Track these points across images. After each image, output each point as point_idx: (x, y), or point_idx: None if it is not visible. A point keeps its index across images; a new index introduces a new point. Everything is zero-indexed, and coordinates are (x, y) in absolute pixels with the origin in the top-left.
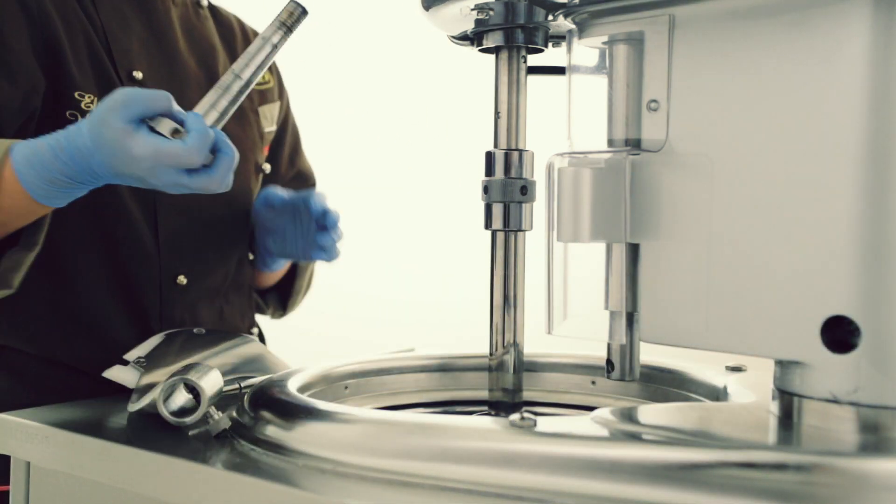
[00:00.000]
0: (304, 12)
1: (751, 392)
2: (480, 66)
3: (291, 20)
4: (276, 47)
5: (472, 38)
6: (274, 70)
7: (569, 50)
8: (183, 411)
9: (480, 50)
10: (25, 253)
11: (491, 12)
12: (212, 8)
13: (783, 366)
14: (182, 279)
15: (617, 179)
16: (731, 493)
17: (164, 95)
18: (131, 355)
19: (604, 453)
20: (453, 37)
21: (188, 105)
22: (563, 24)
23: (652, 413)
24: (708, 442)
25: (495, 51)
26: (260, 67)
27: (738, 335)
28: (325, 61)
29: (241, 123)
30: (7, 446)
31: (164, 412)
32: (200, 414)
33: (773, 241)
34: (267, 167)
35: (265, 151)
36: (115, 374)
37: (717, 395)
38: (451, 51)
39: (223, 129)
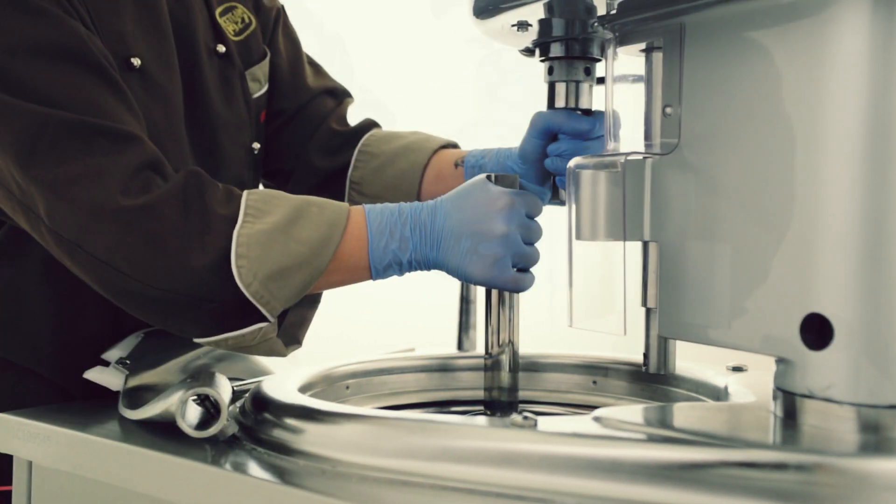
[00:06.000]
0: None
1: (751, 392)
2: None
3: None
4: None
5: (534, 49)
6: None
7: (606, 58)
8: (200, 422)
9: (541, 60)
10: (309, 309)
11: (530, 27)
12: None
13: (784, 365)
14: None
15: (635, 181)
16: (731, 493)
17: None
18: (111, 356)
19: (604, 453)
20: (519, 49)
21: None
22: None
23: (652, 413)
24: (708, 442)
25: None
26: None
27: (744, 333)
28: (329, 61)
29: (227, 99)
30: (9, 445)
31: (186, 428)
32: (221, 425)
33: (773, 240)
34: (257, 146)
35: (262, 118)
36: (97, 375)
37: (718, 395)
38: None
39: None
